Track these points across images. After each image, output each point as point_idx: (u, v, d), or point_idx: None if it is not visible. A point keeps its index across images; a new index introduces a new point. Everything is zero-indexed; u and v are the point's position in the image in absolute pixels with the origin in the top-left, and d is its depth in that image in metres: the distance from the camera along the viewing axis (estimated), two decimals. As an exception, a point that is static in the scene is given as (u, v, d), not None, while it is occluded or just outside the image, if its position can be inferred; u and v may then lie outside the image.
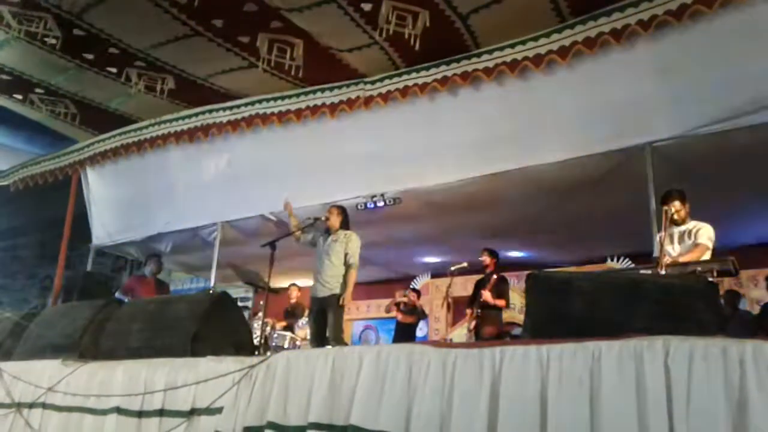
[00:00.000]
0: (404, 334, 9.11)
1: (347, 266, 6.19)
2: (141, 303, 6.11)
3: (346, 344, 8.14)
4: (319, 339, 6.06)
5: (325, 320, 6.04)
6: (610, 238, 8.93)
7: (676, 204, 5.10)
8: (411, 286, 10.04)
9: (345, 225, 6.41)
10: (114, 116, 9.13)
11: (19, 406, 4.98)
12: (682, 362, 2.56)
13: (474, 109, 6.97)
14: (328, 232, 6.37)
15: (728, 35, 5.54)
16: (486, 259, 7.56)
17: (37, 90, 8.47)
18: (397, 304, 9.46)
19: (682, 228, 5.09)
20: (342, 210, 6.47)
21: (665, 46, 5.85)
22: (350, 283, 6.16)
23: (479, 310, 7.40)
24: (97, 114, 9.04)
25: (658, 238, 5.16)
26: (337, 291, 6.09)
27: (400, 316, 9.36)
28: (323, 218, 6.39)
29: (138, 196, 9.58)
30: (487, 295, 7.32)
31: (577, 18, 6.21)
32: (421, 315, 9.60)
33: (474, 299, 7.61)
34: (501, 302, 7.37)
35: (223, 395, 3.88)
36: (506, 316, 7.97)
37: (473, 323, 7.52)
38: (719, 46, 5.62)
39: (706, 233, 4.96)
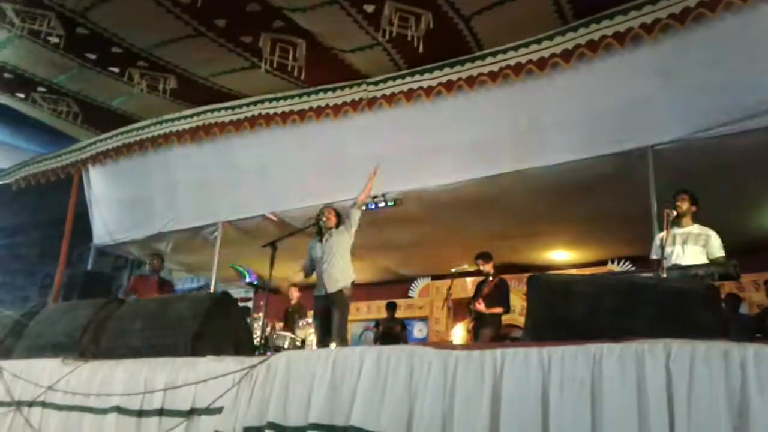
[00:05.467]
0: (390, 339, 9.32)
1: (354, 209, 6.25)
2: (142, 302, 6.10)
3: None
4: (324, 339, 6.01)
5: (330, 320, 6.01)
6: (612, 240, 8.92)
7: (684, 203, 5.08)
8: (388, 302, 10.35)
9: (339, 224, 6.37)
10: (116, 115, 9.14)
11: (18, 404, 4.97)
12: (683, 365, 2.56)
13: (476, 110, 6.98)
14: (320, 233, 6.30)
15: (731, 39, 5.54)
16: (482, 265, 7.42)
17: (40, 88, 8.47)
18: (377, 325, 10.20)
19: (685, 230, 5.06)
20: (337, 211, 6.43)
21: (668, 50, 5.86)
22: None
23: (475, 314, 7.33)
24: (99, 113, 9.04)
25: (657, 240, 5.16)
26: (345, 285, 6.06)
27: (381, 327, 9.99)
28: (323, 219, 6.32)
29: (139, 195, 9.58)
30: (480, 306, 7.22)
31: (580, 20, 6.22)
32: (403, 326, 10.11)
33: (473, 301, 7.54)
34: (497, 309, 7.24)
35: (223, 395, 3.87)
36: (507, 318, 7.92)
37: (471, 324, 7.46)
38: (722, 50, 5.63)
39: (719, 244, 4.93)
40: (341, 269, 6.09)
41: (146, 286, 8.03)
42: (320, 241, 6.22)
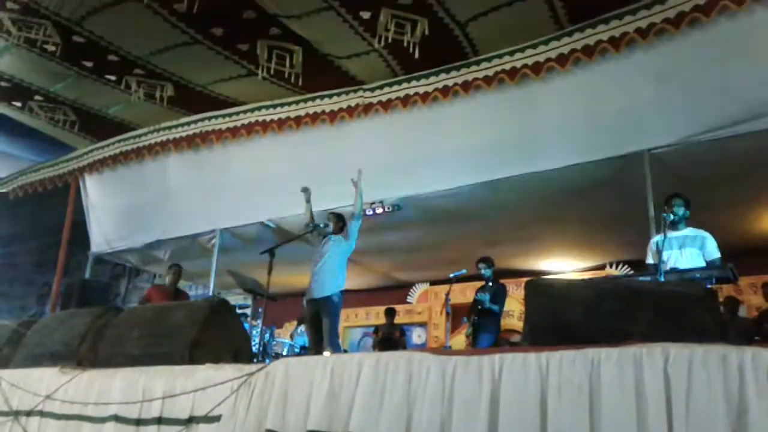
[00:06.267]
0: (389, 345, 9.35)
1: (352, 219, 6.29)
2: (139, 310, 6.08)
3: (344, 351, 8.16)
4: (317, 346, 6.02)
5: (320, 325, 6.02)
6: (609, 244, 8.92)
7: (679, 208, 5.08)
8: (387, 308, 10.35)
9: (341, 230, 6.41)
10: (113, 123, 9.15)
11: (17, 414, 4.95)
12: (681, 369, 2.56)
13: (473, 116, 6.99)
14: (325, 236, 6.36)
15: (726, 43, 5.57)
16: (483, 269, 7.42)
17: (36, 97, 8.47)
18: (376, 331, 10.22)
19: (680, 233, 5.06)
20: (340, 217, 6.48)
21: (663, 54, 5.88)
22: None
23: (476, 317, 7.34)
24: (96, 121, 9.05)
25: (652, 244, 5.16)
26: (333, 291, 6.08)
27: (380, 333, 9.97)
28: (323, 225, 6.39)
29: (137, 203, 9.57)
30: (483, 297, 7.22)
31: (575, 26, 6.24)
32: (401, 332, 10.13)
33: (473, 307, 7.55)
34: (496, 306, 7.25)
35: (222, 403, 3.86)
36: (505, 323, 7.91)
37: (471, 330, 7.46)
38: (717, 54, 5.65)
39: (714, 245, 4.93)
40: (332, 276, 6.11)
41: (162, 296, 7.97)
42: (322, 243, 6.27)
